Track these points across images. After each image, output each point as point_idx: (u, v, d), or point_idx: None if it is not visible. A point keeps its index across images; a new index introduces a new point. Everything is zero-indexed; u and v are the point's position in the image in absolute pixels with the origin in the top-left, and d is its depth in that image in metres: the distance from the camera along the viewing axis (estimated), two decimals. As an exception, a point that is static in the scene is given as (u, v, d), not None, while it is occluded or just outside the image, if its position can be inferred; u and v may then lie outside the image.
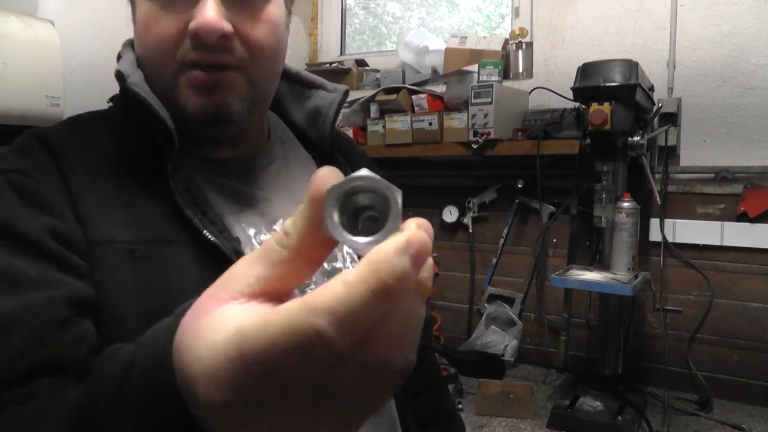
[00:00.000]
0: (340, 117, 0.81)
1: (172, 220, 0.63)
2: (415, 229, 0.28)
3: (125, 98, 0.66)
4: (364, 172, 0.29)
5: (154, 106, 0.64)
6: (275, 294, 0.30)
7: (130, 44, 0.73)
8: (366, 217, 0.30)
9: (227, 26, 0.63)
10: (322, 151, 0.83)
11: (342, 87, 0.83)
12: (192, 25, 0.62)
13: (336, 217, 0.28)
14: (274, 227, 0.71)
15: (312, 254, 0.30)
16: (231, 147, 0.73)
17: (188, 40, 0.63)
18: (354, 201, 0.29)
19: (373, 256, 0.26)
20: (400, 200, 0.28)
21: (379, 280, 0.26)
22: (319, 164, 0.78)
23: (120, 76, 0.66)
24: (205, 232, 0.62)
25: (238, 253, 0.63)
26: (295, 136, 0.85)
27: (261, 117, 0.77)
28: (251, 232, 0.69)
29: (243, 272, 0.30)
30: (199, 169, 0.70)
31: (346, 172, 0.98)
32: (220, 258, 0.61)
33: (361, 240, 0.28)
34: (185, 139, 0.66)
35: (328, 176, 0.29)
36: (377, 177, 0.28)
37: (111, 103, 0.76)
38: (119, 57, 0.72)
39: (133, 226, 0.61)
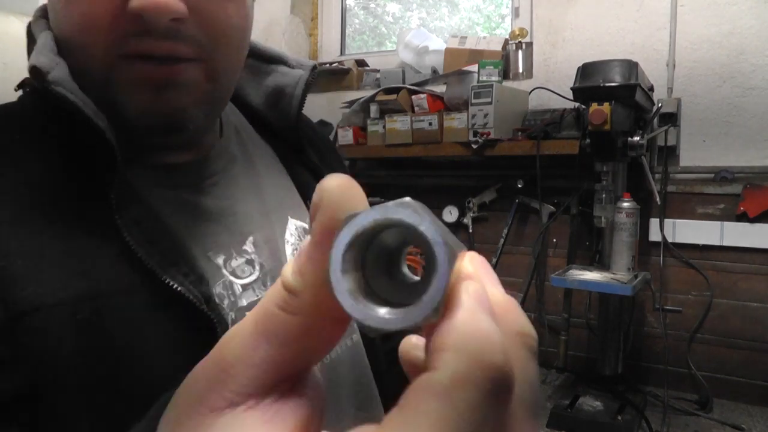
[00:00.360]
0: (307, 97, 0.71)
1: (122, 262, 0.48)
2: (471, 271, 0.20)
3: (46, 98, 0.50)
4: (405, 202, 0.18)
5: (88, 113, 0.48)
6: (293, 378, 0.21)
7: (44, 16, 0.55)
8: (406, 261, 0.20)
9: (180, 6, 0.48)
10: (286, 139, 0.69)
11: (308, 62, 0.68)
12: (134, 3, 0.47)
13: (347, 284, 0.18)
14: (245, 247, 0.58)
15: (336, 312, 0.20)
16: (183, 150, 0.58)
17: (128, 23, 0.48)
18: (383, 239, 0.19)
19: (457, 339, 0.17)
20: (449, 255, 0.17)
21: (489, 368, 0.16)
22: (283, 157, 0.69)
23: (37, 73, 0.48)
24: (165, 278, 0.47)
25: (209, 300, 0.50)
26: (249, 120, 0.70)
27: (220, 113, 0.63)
28: (220, 260, 0.55)
29: (242, 360, 0.20)
30: (146, 182, 0.54)
31: (315, 167, 0.71)
32: (186, 309, 0.48)
33: (390, 315, 0.18)
34: (123, 141, 0.51)
35: (342, 198, 0.19)
36: (426, 215, 0.17)
37: (21, 92, 0.60)
38: (30, 33, 0.55)
39: (73, 277, 0.46)
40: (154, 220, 0.52)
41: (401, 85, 2.12)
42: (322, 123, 2.26)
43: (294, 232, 0.64)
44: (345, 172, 0.72)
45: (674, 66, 1.87)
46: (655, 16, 1.91)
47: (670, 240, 1.85)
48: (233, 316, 0.54)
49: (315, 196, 0.20)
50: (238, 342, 0.20)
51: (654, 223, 1.87)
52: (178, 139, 0.56)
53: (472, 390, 0.16)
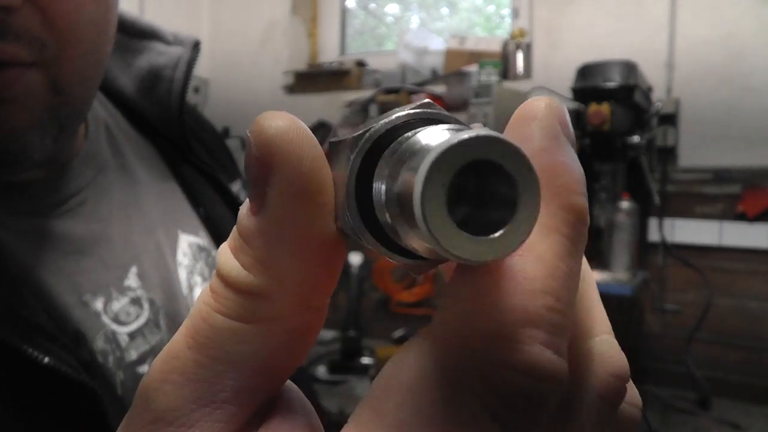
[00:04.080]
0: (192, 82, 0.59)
1: None
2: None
3: None
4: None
5: None
6: (267, 403, 0.17)
7: None
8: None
9: None
10: (167, 133, 0.56)
11: (189, 38, 0.55)
12: None
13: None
14: (127, 281, 0.47)
15: (319, 297, 0.16)
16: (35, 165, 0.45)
17: None
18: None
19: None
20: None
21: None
22: (166, 156, 0.57)
23: None
24: (25, 349, 0.35)
25: (89, 366, 0.40)
26: (120, 110, 0.56)
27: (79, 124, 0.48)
28: (98, 304, 0.44)
29: (186, 405, 0.15)
30: None
31: (206, 165, 0.59)
32: (59, 382, 0.36)
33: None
34: None
35: (304, 145, 0.15)
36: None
37: None
38: None
39: None
40: (4, 267, 0.39)
41: (401, 86, 2.13)
42: (321, 124, 2.27)
43: (187, 251, 0.53)
44: (237, 171, 0.64)
45: (673, 67, 1.88)
46: (654, 17, 1.92)
47: (669, 240, 1.86)
48: (122, 377, 0.44)
49: (259, 148, 0.15)
50: (180, 380, 0.15)
51: (653, 223, 1.88)
52: (14, 174, 0.42)
53: (557, 237, 0.15)
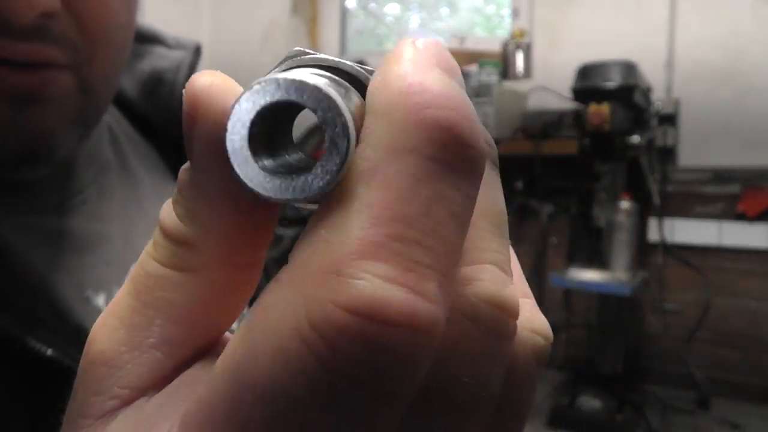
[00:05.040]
0: None
1: None
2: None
3: None
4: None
5: None
6: (205, 351, 0.17)
7: None
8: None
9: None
10: (169, 135, 0.57)
11: (190, 42, 0.57)
12: None
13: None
14: (128, 278, 0.44)
15: (243, 254, 0.16)
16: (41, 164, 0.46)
17: None
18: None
19: (391, 96, 0.14)
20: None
21: (439, 127, 0.13)
22: (167, 158, 0.58)
23: None
24: (31, 340, 0.36)
25: None
26: (123, 112, 0.57)
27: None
28: (100, 300, 0.44)
29: (127, 345, 0.16)
30: None
31: None
32: (62, 374, 0.36)
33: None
34: None
35: (227, 96, 0.15)
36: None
37: None
38: None
39: None
40: (7, 263, 0.40)
41: (401, 86, 2.13)
42: (319, 127, 2.27)
43: None
44: None
45: (673, 67, 1.88)
46: (654, 17, 1.92)
47: (669, 240, 1.86)
48: None
49: (187, 103, 0.15)
50: (116, 324, 0.16)
51: (653, 222, 1.88)
52: (37, 173, 0.43)
53: (412, 158, 0.13)
